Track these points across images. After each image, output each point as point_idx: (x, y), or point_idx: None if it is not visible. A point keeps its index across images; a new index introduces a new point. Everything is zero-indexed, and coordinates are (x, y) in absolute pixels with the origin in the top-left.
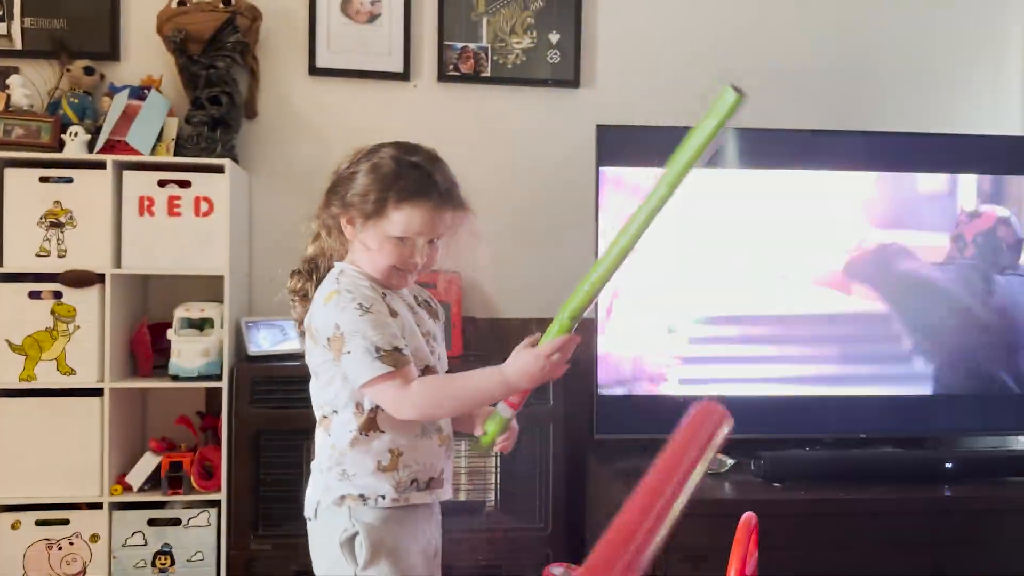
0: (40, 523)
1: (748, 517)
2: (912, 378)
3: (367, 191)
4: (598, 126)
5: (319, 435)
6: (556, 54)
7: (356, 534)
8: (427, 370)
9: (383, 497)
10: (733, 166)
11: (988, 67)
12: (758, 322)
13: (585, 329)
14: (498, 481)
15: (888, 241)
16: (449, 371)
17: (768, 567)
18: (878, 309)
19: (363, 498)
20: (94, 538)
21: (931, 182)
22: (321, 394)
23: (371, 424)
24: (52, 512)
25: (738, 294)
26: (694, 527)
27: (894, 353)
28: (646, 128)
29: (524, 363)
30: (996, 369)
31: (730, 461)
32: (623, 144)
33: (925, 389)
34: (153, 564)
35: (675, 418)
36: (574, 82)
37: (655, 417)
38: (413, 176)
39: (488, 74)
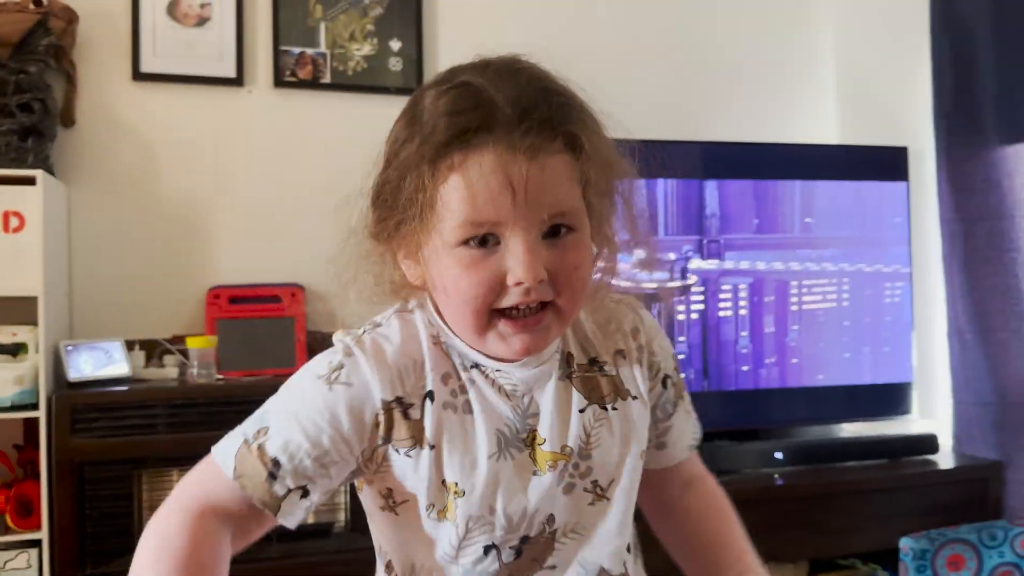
0: None
1: None
2: (743, 373)
3: (386, 170)
4: None
5: None
6: (398, 61)
7: None
8: (494, 551)
9: None
10: None
11: (803, 76)
12: None
13: None
14: (348, 501)
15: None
16: None
17: None
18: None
19: None
20: None
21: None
22: None
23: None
24: None
25: None
26: None
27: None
28: None
29: None
30: (819, 363)
31: None
32: None
33: (754, 383)
34: None
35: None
36: (418, 89)
37: None
38: (454, 107)
39: (328, 80)
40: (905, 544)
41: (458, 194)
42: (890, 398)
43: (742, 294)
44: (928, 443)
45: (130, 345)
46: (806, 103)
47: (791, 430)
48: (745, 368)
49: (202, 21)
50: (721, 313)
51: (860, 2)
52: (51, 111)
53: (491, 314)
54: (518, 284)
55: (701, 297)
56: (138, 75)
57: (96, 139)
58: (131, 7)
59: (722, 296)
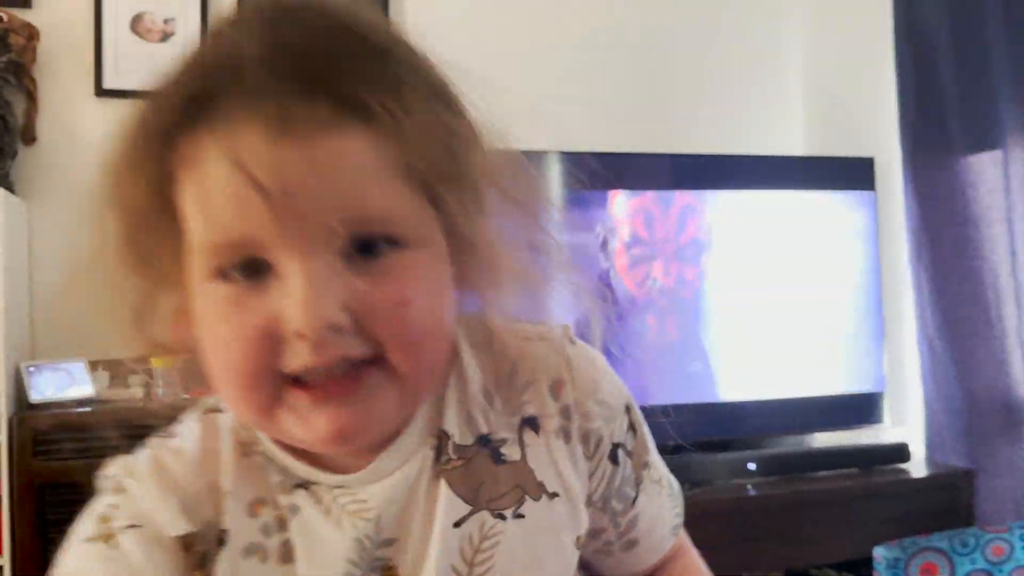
0: None
1: None
2: (714, 384)
3: (114, 154)
4: None
5: None
6: None
7: None
8: None
9: None
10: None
11: (771, 87)
12: None
13: None
14: None
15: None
16: None
17: None
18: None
19: None
20: None
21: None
22: None
23: None
24: None
25: None
26: None
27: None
28: None
29: None
30: (790, 373)
31: None
32: None
33: (725, 395)
34: None
35: None
36: None
37: None
38: (187, 71)
39: None
40: (878, 553)
41: (192, 204)
42: (861, 407)
43: (713, 303)
44: (900, 452)
45: (93, 365)
46: (774, 115)
47: (764, 441)
48: (717, 378)
49: (166, 36)
50: (692, 323)
51: (827, 14)
52: (11, 128)
53: (275, 383)
54: (300, 336)
55: (671, 308)
56: (101, 91)
57: (58, 156)
58: (93, 23)
59: (692, 306)
